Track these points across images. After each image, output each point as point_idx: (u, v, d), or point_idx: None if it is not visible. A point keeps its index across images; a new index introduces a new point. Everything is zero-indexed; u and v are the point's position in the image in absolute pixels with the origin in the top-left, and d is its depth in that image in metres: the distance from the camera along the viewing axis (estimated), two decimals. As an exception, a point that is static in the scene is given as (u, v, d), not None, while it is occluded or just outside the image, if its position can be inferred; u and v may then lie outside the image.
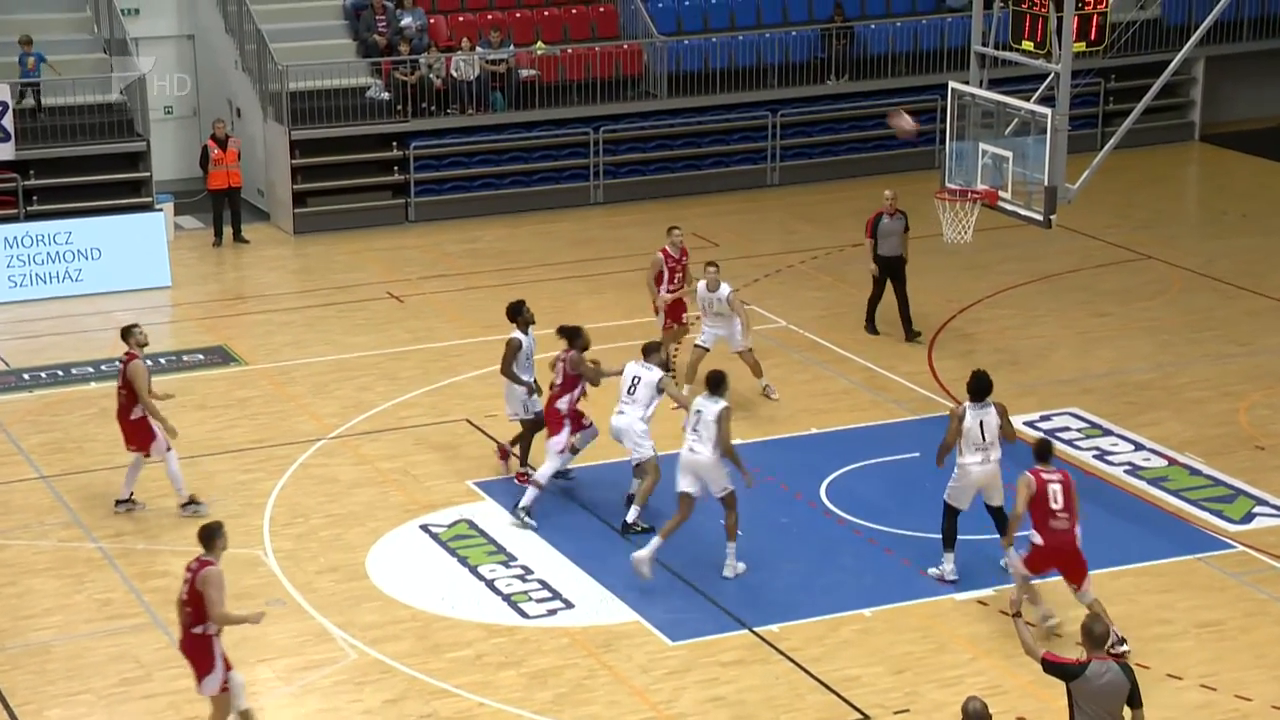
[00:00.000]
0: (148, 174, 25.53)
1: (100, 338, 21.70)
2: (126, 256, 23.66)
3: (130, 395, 16.24)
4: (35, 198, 24.89)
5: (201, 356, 21.07)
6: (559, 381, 16.53)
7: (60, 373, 20.46)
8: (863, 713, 13.24)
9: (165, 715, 12.97)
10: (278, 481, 17.31)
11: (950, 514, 14.96)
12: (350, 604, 14.79)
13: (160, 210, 24.77)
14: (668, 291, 19.56)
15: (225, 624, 12.09)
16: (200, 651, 12.09)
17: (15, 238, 23.32)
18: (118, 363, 16.61)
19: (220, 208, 25.69)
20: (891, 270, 20.98)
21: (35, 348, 21.37)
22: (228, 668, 12.13)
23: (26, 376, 20.37)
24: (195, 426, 18.74)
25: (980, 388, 14.82)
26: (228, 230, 25.79)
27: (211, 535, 12.24)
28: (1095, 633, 10.91)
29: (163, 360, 20.79)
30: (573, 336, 16.61)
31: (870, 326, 21.32)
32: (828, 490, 16.99)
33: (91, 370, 20.51)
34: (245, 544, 15.84)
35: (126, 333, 16.42)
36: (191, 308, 23.04)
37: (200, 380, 20.21)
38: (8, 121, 24.29)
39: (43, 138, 25.00)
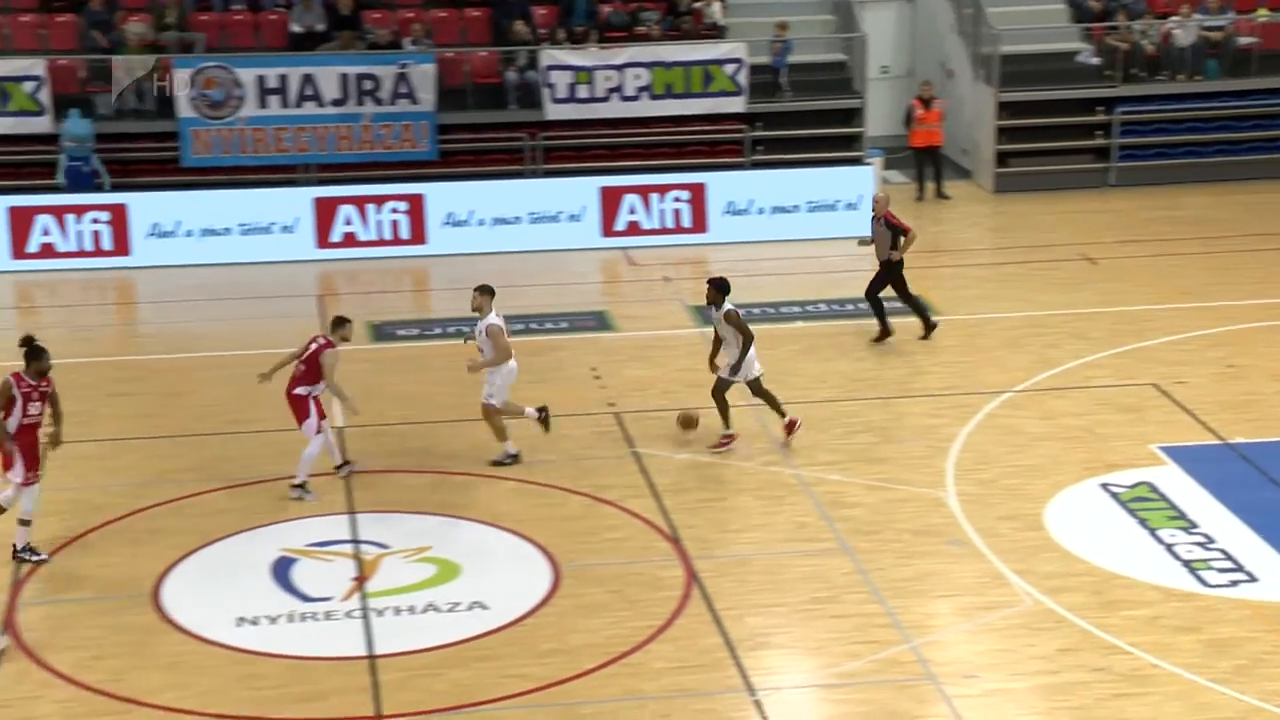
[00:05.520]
0: (861, 130, 26.17)
1: (808, 281, 22.54)
2: (837, 207, 24.38)
3: None
4: (760, 148, 26.04)
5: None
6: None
7: (771, 310, 21.37)
8: None
9: (851, 635, 13.35)
10: (964, 428, 17.41)
11: None
12: (1029, 552, 14.72)
13: (870, 165, 25.35)
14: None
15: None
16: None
17: (744, 186, 24.39)
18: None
19: (922, 164, 26.06)
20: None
21: (750, 285, 22.37)
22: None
23: (742, 312, 21.35)
24: (891, 370, 19.16)
25: None
26: (930, 186, 26.11)
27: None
28: None
29: (771, 310, 21.35)
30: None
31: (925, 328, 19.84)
32: None
33: (798, 309, 21.33)
34: (930, 485, 16.05)
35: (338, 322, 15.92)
36: (892, 258, 23.48)
37: (904, 326, 20.56)
38: (743, 77, 25.51)
39: (771, 92, 26.09)
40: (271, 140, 24.42)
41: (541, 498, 15.83)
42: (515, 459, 16.48)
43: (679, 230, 24.22)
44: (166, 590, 14.01)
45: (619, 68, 25.27)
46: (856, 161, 25.51)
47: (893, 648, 13.16)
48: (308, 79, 24.39)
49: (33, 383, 14.19)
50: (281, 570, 14.36)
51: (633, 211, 24.18)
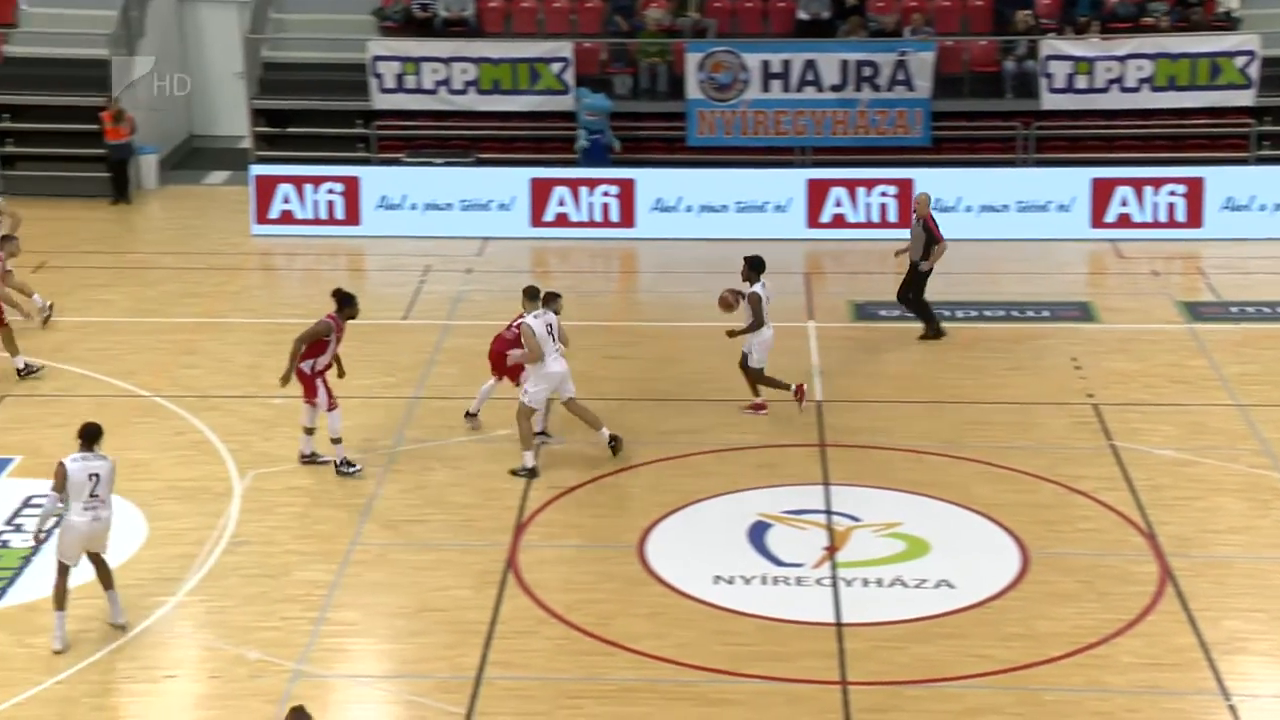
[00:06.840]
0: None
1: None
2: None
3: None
4: (1266, 143, 24.37)
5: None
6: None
7: (1266, 310, 20.18)
8: None
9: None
10: None
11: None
12: None
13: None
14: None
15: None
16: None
17: (1246, 182, 23.07)
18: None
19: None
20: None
21: (1246, 283, 21.23)
22: None
23: (1234, 309, 20.29)
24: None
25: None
26: None
27: None
28: None
29: (1267, 310, 20.00)
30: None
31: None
32: None
33: (1296, 310, 20.07)
34: None
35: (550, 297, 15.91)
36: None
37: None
38: (1254, 70, 24.01)
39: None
40: (771, 123, 24.69)
41: (1013, 483, 15.43)
42: (532, 473, 15.54)
43: (1172, 225, 23.12)
44: (651, 543, 14.40)
45: (1121, 59, 24.28)
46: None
47: (1384, 668, 12.19)
48: (809, 65, 24.52)
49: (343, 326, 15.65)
50: (757, 534, 14.53)
51: (1125, 204, 23.23)
